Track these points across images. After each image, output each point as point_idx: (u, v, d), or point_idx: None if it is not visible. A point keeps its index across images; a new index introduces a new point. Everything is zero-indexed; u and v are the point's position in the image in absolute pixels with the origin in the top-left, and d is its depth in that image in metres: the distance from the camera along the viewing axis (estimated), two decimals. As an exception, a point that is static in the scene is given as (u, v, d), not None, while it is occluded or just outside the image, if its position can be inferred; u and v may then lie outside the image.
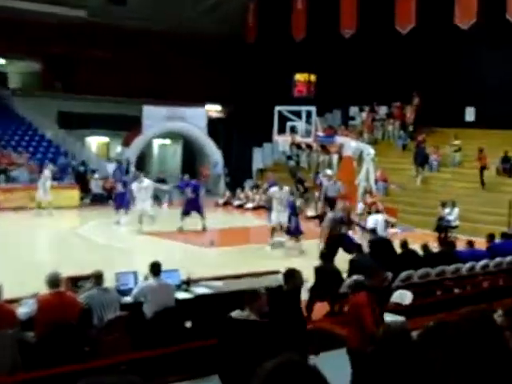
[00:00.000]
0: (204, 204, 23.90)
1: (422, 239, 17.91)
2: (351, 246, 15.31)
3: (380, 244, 16.30)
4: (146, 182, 23.49)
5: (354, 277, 12.01)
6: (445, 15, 29.04)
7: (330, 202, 22.41)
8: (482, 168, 26.95)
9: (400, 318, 9.42)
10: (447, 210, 22.72)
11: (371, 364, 3.83)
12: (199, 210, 23.06)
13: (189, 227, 22.29)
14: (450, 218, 22.64)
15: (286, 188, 20.96)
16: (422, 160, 29.58)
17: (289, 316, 7.91)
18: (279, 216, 19.88)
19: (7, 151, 30.77)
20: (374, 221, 18.85)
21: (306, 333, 8.20)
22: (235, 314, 7.48)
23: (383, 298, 8.69)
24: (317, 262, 12.76)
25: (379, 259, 13.31)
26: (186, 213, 22.90)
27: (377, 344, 4.21)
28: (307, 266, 12.47)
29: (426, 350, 3.58)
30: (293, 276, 8.48)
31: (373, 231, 17.92)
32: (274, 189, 20.66)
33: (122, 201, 24.76)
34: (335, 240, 16.81)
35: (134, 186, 23.20)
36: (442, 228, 21.97)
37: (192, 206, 23.05)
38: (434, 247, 15.74)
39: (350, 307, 8.61)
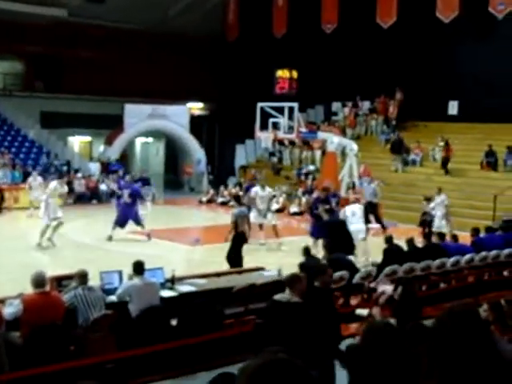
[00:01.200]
0: (139, 211, 21.46)
1: (405, 234, 18.01)
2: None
3: (335, 225, 16.55)
4: None
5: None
6: (427, 8, 29.07)
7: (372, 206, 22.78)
8: (446, 159, 28.07)
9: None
10: (431, 205, 22.74)
11: (356, 359, 3.87)
12: (135, 219, 20.78)
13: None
14: (434, 213, 22.69)
15: (269, 188, 21.10)
16: (399, 148, 30.03)
17: (323, 305, 8.07)
18: (259, 217, 19.92)
19: (-11, 152, 30.69)
20: (351, 211, 18.89)
21: (338, 318, 8.34)
22: (278, 296, 7.77)
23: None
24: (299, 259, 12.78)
25: (334, 240, 14.12)
26: (120, 223, 20.63)
27: (361, 339, 4.26)
28: (291, 262, 12.55)
29: (412, 344, 3.62)
30: (324, 273, 8.63)
31: (330, 211, 17.92)
32: (256, 189, 20.61)
33: None
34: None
35: None
36: (426, 223, 22.05)
37: (126, 215, 20.66)
38: (419, 242, 15.77)
39: None
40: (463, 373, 2.30)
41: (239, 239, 15.92)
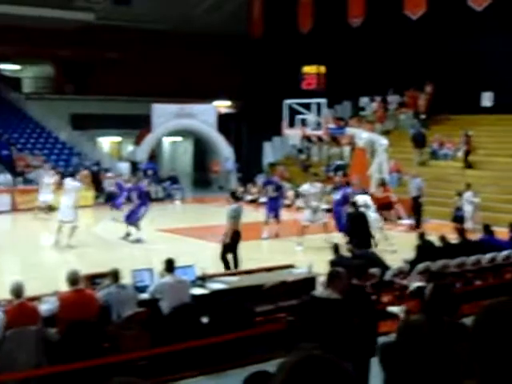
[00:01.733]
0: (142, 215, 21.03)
1: (437, 230, 17.93)
2: None
3: (357, 217, 16.51)
4: None
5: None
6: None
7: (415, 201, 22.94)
8: (468, 152, 27.77)
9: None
10: (462, 201, 22.52)
11: (391, 357, 3.89)
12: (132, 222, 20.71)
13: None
14: (466, 208, 22.48)
15: (318, 184, 21.16)
16: (421, 141, 29.80)
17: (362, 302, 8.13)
18: (312, 215, 19.92)
19: (23, 154, 31.18)
20: (363, 201, 19.02)
21: (376, 316, 8.38)
22: (318, 292, 7.85)
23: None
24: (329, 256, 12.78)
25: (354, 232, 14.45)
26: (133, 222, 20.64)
27: (396, 335, 4.26)
28: (321, 259, 12.61)
29: (450, 342, 3.63)
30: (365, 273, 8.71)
31: (353, 204, 17.91)
32: (306, 186, 20.73)
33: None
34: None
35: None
36: (459, 218, 21.84)
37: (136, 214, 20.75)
38: (452, 238, 15.57)
39: None
40: (505, 372, 2.29)
41: (236, 238, 15.69)
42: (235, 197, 16.75)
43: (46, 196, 25.94)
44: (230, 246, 15.53)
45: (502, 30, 29.24)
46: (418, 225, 22.26)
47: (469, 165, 27.66)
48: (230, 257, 15.49)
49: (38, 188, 26.44)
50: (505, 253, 14.31)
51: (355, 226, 16.46)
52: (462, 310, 9.18)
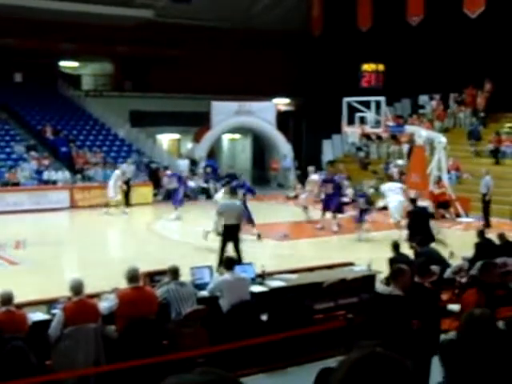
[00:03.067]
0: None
1: (497, 228, 17.70)
2: None
3: (417, 214, 16.41)
4: None
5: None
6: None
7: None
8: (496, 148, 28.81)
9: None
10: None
11: (455, 351, 3.83)
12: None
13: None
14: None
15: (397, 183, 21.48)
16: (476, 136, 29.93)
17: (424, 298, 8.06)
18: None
19: (83, 151, 31.53)
20: (389, 187, 19.35)
21: (437, 312, 8.31)
22: (381, 289, 7.95)
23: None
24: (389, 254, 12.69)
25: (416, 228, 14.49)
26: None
27: (460, 330, 4.18)
28: (381, 257, 12.51)
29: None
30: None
31: (412, 201, 17.75)
32: (388, 185, 21.24)
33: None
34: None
35: None
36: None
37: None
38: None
39: None
40: None
41: (225, 233, 15.58)
42: (233, 192, 16.78)
43: (114, 192, 26.40)
44: (224, 240, 15.49)
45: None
46: (487, 223, 21.84)
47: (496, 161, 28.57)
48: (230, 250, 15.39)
49: (112, 183, 26.90)
50: None
51: (416, 223, 16.30)
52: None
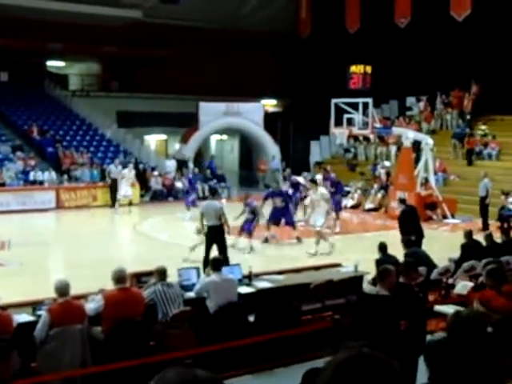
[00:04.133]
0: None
1: (480, 229, 17.75)
2: None
3: (410, 214, 16.50)
4: None
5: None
6: (503, -1, 28.38)
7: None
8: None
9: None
10: (510, 199, 22.37)
11: (442, 351, 3.82)
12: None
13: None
14: (510, 206, 22.33)
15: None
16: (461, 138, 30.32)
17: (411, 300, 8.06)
18: None
19: (69, 151, 31.39)
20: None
21: (423, 313, 8.30)
22: (368, 289, 8.04)
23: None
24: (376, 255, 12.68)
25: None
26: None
27: (448, 330, 4.17)
28: (368, 258, 12.52)
29: (501, 342, 3.53)
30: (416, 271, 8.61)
31: (402, 201, 17.77)
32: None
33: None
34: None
35: None
36: (504, 217, 21.59)
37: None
38: (497, 237, 15.44)
39: None
40: None
41: (209, 234, 15.49)
42: (213, 193, 16.75)
43: (126, 190, 26.60)
44: (207, 242, 15.41)
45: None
46: (485, 226, 21.80)
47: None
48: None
49: (118, 182, 27.39)
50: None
51: (408, 222, 16.29)
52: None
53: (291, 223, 20.05)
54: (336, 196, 22.32)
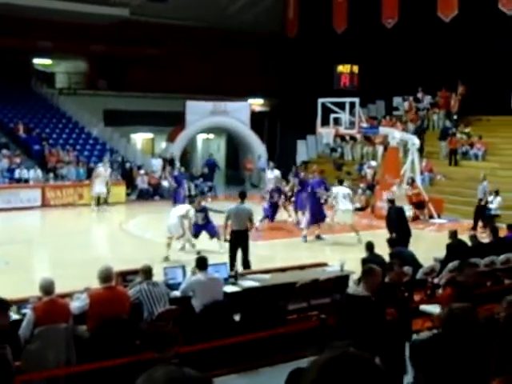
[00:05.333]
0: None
1: (468, 229, 17.82)
2: None
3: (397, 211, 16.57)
4: None
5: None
6: (488, 0, 28.51)
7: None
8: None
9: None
10: (490, 198, 22.53)
11: (431, 349, 3.82)
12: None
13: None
14: (492, 206, 22.46)
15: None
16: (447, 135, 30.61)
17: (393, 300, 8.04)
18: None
19: (55, 149, 31.21)
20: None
21: (409, 314, 8.29)
22: (351, 290, 7.91)
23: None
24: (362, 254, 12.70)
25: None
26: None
27: (442, 326, 4.16)
28: (354, 258, 12.53)
29: (486, 338, 3.54)
30: (392, 269, 8.55)
31: (390, 201, 17.83)
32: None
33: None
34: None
35: None
36: (480, 213, 21.83)
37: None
38: (482, 237, 15.53)
39: None
40: None
41: (233, 238, 15.23)
42: (242, 197, 16.31)
43: (100, 188, 26.49)
44: (232, 246, 15.15)
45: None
46: (474, 227, 21.85)
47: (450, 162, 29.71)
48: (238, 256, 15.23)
49: (92, 180, 27.30)
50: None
51: (395, 222, 16.32)
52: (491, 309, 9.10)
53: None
54: (301, 194, 22.37)
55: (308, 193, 21.04)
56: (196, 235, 18.11)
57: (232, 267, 13.46)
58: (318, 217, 20.27)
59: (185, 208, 17.81)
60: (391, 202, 17.59)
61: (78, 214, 26.16)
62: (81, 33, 35.50)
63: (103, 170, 27.52)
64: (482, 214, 22.54)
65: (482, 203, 22.86)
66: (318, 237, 20.27)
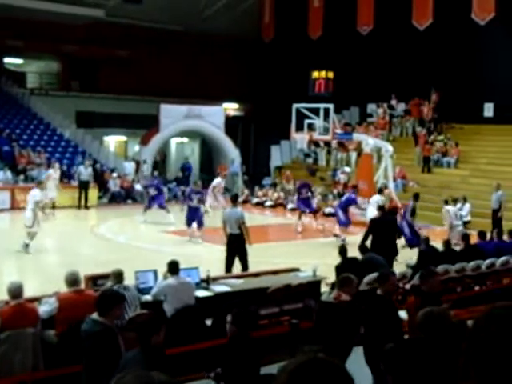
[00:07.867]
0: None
1: (440, 236, 17.89)
2: None
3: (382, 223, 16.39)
4: None
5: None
6: (462, 10, 28.80)
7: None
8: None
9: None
10: (458, 206, 22.70)
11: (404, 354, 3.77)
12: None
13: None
14: (461, 213, 22.62)
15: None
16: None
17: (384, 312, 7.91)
18: None
19: (26, 151, 30.83)
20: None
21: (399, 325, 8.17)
22: (325, 297, 7.99)
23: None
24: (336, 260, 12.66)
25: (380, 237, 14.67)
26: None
27: (420, 328, 4.11)
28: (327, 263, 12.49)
29: (458, 342, 3.49)
30: (387, 279, 8.34)
31: (380, 208, 17.76)
32: None
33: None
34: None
35: None
36: (497, 225, 21.44)
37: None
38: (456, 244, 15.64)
39: None
40: (502, 377, 2.21)
41: (230, 242, 15.25)
42: (234, 200, 16.24)
43: (53, 193, 25.84)
44: (228, 251, 15.19)
45: (505, 42, 30.24)
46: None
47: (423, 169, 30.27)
48: (235, 260, 15.21)
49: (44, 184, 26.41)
50: (503, 258, 14.44)
51: (378, 231, 16.08)
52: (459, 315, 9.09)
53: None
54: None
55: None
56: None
57: (228, 271, 13.66)
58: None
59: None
60: (381, 208, 17.43)
61: (48, 217, 25.84)
62: (54, 33, 35.16)
63: (53, 173, 26.86)
64: (499, 225, 21.28)
65: (499, 215, 22.37)
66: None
